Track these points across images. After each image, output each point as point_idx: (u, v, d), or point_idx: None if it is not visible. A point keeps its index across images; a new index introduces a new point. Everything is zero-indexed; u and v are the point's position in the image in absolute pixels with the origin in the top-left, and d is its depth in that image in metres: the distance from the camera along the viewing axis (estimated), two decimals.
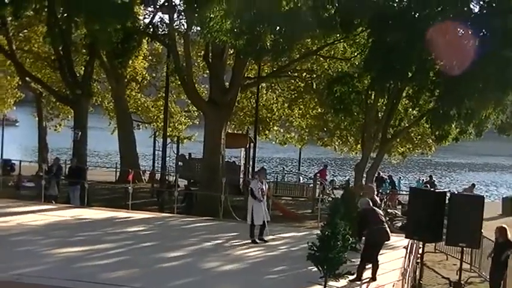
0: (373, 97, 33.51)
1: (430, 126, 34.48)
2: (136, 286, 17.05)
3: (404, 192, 43.79)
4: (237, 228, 26.95)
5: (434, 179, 53.29)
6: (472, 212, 18.37)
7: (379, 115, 34.39)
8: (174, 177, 38.35)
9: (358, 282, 18.44)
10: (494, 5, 29.62)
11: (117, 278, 17.85)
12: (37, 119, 51.97)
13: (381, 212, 19.39)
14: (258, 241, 23.71)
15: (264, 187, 24.07)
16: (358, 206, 19.87)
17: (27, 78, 45.99)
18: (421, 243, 21.36)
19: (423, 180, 53.24)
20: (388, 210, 35.24)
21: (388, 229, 19.03)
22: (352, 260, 18.44)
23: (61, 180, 33.86)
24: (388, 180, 49.25)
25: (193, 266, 19.89)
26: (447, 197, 19.82)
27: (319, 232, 16.84)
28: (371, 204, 19.41)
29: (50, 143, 52.50)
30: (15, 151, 68.09)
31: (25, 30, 47.65)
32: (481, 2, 30.39)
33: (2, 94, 52.71)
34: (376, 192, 22.14)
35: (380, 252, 19.65)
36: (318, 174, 48.32)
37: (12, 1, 34.49)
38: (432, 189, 31.29)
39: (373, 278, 18.81)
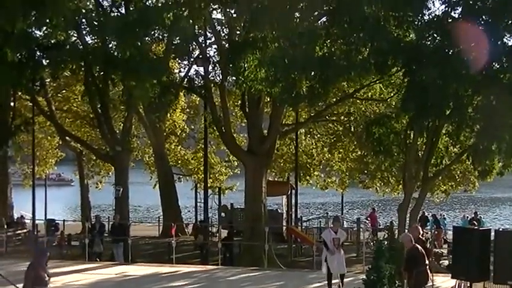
0: (412, 136, 33.30)
1: (472, 162, 34.18)
2: None
3: (450, 231, 43.24)
4: (283, 277, 26.82)
5: (479, 215, 52.68)
6: None
7: (420, 154, 34.16)
8: (217, 228, 38.29)
9: None
10: None
11: None
12: (78, 177, 52.50)
13: (423, 251, 19.11)
14: None
15: (338, 236, 23.11)
16: (400, 241, 19.69)
17: (67, 138, 46.51)
18: (468, 282, 20.97)
19: (468, 217, 52.66)
20: (434, 249, 34.81)
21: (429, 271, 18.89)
22: None
23: (104, 237, 34.02)
24: (432, 219, 48.76)
25: None
26: (492, 234, 19.48)
27: (364, 277, 16.65)
28: (413, 240, 19.17)
29: (93, 200, 52.84)
30: (63, 210, 69.04)
31: (63, 91, 48.37)
32: None
33: (43, 155, 53.26)
34: (421, 233, 21.82)
35: None
36: (368, 219, 48.12)
37: (50, 62, 35.08)
38: (478, 226, 30.89)
39: None
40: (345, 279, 22.60)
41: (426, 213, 49.29)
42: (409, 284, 18.78)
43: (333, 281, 22.62)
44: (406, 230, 29.26)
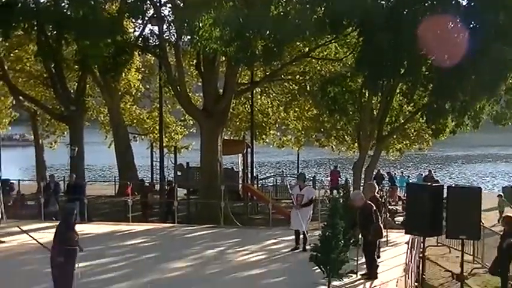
0: (367, 96, 33.55)
1: (425, 121, 34.56)
2: None
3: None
4: (239, 234, 27.03)
5: (433, 173, 53.40)
6: (471, 204, 18.29)
7: (374, 113, 34.45)
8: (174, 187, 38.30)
9: (363, 281, 18.53)
10: None
11: None
12: (33, 137, 52.19)
13: (376, 208, 19.36)
14: (299, 249, 23.10)
15: (302, 193, 23.00)
16: (351, 199, 19.98)
17: (20, 98, 46.08)
18: (421, 237, 21.31)
19: (422, 175, 53.36)
20: (389, 206, 35.26)
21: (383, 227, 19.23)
22: (354, 258, 18.46)
23: (60, 196, 33.91)
24: (387, 177, 49.31)
25: (197, 274, 19.88)
26: (444, 190, 19.77)
27: (320, 233, 16.88)
28: (364, 198, 19.43)
29: (48, 160, 52.57)
30: (23, 171, 68.91)
31: (16, 50, 47.71)
32: None
33: None
34: (376, 189, 22.09)
35: (383, 249, 19.70)
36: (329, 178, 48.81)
37: (1, 22, 34.57)
38: (431, 183, 31.24)
39: (375, 276, 18.89)
40: (301, 236, 22.83)
41: (381, 171, 49.79)
42: (364, 240, 19.09)
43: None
44: (361, 188, 29.73)
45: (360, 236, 19.48)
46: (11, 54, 47.89)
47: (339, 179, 51.26)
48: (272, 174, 60.22)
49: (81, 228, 27.37)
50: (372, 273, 18.80)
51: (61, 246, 15.92)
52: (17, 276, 19.72)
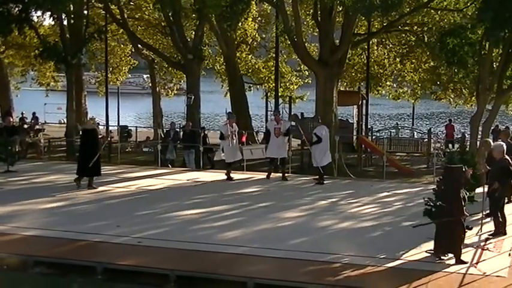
0: (487, 48, 32.70)
1: None
2: (253, 246, 17.19)
3: None
4: (352, 185, 26.98)
5: None
6: None
7: (494, 66, 33.59)
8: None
9: (490, 237, 18.25)
10: None
11: (234, 238, 18.08)
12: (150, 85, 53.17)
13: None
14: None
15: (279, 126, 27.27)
16: (492, 149, 19.51)
17: (139, 46, 46.86)
18: None
19: None
20: None
21: None
22: (471, 214, 18.14)
23: (177, 144, 34.51)
24: None
25: (309, 225, 19.92)
26: None
27: (434, 187, 16.65)
28: (504, 151, 18.89)
29: (164, 108, 53.47)
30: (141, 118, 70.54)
31: None
32: None
33: (116, 62, 53.91)
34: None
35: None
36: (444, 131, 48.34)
37: None
38: None
39: (504, 232, 18.53)
40: (415, 189, 22.77)
41: (500, 126, 48.73)
42: (491, 197, 18.66)
43: None
44: (478, 143, 29.12)
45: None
46: (131, 3, 48.76)
47: (454, 132, 50.51)
48: (387, 126, 59.70)
49: (196, 176, 28.00)
50: (495, 230, 18.49)
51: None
52: (132, 220, 20.17)
